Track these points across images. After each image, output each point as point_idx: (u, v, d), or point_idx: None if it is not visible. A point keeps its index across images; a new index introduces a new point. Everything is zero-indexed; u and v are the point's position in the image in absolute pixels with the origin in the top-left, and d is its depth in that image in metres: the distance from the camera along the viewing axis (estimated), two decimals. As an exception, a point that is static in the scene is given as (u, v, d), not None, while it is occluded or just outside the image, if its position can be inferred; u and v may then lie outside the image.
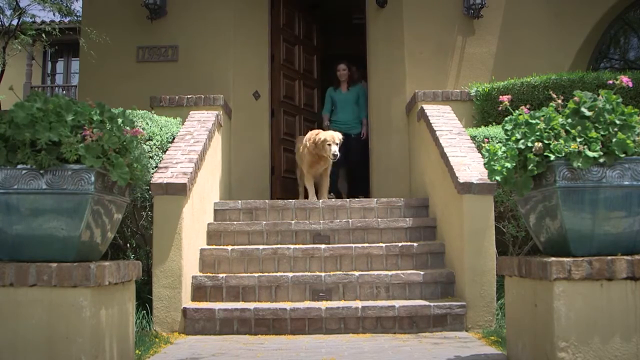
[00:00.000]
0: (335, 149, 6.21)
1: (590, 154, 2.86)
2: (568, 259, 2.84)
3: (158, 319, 4.53)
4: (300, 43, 8.42)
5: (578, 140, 2.91)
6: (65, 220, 2.83)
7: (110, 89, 6.90)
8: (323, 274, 4.92)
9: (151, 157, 5.08)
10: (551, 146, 2.92)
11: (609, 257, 2.84)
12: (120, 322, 3.16)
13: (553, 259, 2.86)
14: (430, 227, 5.52)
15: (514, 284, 3.37)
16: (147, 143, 5.11)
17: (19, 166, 2.83)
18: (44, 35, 8.61)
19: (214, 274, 4.98)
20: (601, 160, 2.87)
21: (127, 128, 3.10)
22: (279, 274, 4.99)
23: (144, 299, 4.61)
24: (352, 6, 8.83)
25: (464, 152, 5.11)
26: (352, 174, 7.80)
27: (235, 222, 5.60)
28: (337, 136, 6.32)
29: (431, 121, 5.69)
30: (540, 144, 2.95)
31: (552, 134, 2.97)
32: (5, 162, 2.84)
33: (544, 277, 2.88)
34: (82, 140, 2.86)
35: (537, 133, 3.00)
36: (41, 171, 2.83)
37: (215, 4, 7.36)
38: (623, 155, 2.88)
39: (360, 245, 5.22)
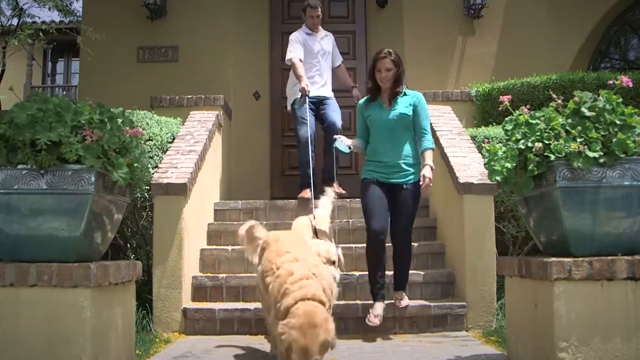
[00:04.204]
0: None
1: (591, 154, 2.86)
2: (568, 259, 2.84)
3: (158, 319, 4.53)
4: (301, 43, 8.39)
5: (578, 140, 2.91)
6: (65, 221, 2.83)
7: (110, 89, 6.90)
8: (323, 274, 4.91)
9: (151, 157, 5.08)
10: (551, 146, 2.92)
11: (610, 257, 2.84)
12: (121, 323, 3.16)
13: (553, 259, 2.86)
14: (430, 227, 5.51)
15: (515, 284, 3.37)
16: (147, 143, 5.11)
17: (19, 166, 2.83)
18: (41, 34, 8.60)
19: (214, 274, 4.97)
20: (601, 160, 2.87)
21: (127, 128, 3.11)
22: (279, 274, 4.97)
23: (144, 299, 4.61)
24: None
25: (464, 152, 5.10)
26: (400, 252, 4.40)
27: (235, 222, 5.58)
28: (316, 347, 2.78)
29: (431, 121, 5.68)
30: (540, 144, 2.95)
31: (553, 134, 2.97)
32: (5, 162, 2.84)
33: (544, 277, 2.88)
34: (82, 140, 2.86)
35: (537, 133, 3.00)
36: (41, 171, 2.82)
37: (215, 4, 7.36)
38: (623, 156, 2.88)
39: (360, 245, 5.21)
